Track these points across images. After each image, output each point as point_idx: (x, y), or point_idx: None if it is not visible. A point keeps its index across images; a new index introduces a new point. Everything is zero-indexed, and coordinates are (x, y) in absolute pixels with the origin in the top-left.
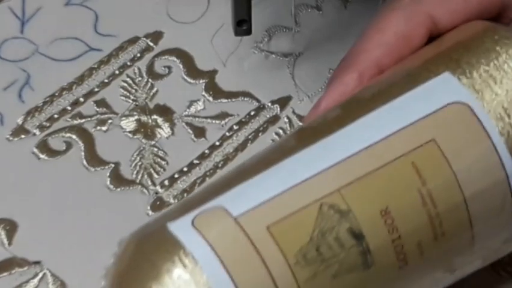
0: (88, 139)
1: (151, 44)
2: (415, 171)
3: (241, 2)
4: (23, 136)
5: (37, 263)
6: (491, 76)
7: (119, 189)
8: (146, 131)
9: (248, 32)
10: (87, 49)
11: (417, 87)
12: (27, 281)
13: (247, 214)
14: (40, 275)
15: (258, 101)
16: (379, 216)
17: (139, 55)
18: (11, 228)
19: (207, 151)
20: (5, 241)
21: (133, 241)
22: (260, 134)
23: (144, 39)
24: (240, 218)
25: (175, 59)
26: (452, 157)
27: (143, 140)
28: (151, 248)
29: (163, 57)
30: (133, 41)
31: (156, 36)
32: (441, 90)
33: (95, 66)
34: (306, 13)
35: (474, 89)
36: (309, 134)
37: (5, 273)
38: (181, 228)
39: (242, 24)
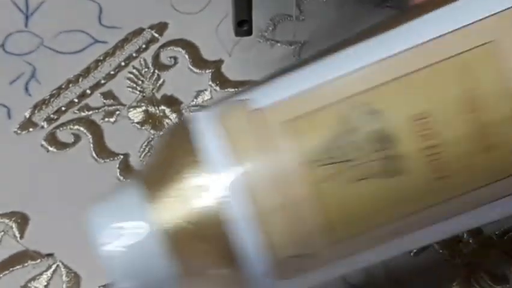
0: (96, 131)
1: (156, 35)
2: (467, 73)
3: (241, 2)
4: (31, 129)
5: (50, 255)
6: None
7: None
8: (154, 121)
9: (249, 32)
10: (92, 41)
11: None
12: (40, 274)
13: (270, 106)
14: (53, 267)
15: None
16: (416, 119)
17: (144, 46)
18: (22, 221)
19: None
20: (17, 234)
21: (166, 132)
22: None
23: (149, 30)
24: (261, 109)
25: (180, 49)
26: (509, 63)
27: (152, 131)
28: (176, 140)
29: (169, 48)
30: (138, 32)
31: (161, 27)
32: None
33: (101, 58)
34: (310, 1)
35: None
36: (363, 32)
37: (18, 266)
38: (203, 118)
39: (243, 25)
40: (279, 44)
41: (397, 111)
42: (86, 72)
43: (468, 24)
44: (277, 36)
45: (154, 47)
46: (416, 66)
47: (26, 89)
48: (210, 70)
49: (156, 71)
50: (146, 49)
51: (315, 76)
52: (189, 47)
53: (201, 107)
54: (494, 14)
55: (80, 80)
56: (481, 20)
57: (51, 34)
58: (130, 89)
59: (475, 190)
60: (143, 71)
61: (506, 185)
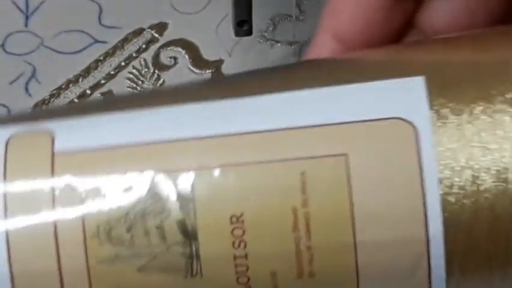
0: None
1: (156, 35)
2: (300, 184)
3: (241, 2)
4: None
5: None
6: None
7: None
8: None
9: (249, 32)
10: (92, 41)
11: (378, 80)
12: None
13: (71, 154)
14: None
15: None
16: (228, 221)
17: (144, 46)
18: None
19: None
20: None
21: None
22: None
23: (149, 30)
24: (58, 154)
25: (180, 49)
26: (359, 186)
27: None
28: None
29: (169, 48)
30: (138, 32)
31: (161, 27)
32: (398, 96)
33: (101, 58)
34: (310, 1)
35: (439, 115)
36: (224, 85)
37: None
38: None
39: (243, 25)
40: (279, 44)
41: (211, 205)
42: (86, 72)
43: (328, 124)
44: (277, 36)
45: (154, 47)
46: (250, 158)
47: (26, 89)
48: (210, 70)
49: (156, 71)
50: (146, 49)
51: (139, 129)
52: (189, 47)
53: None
54: (365, 120)
55: (80, 80)
56: (344, 123)
57: (52, 34)
58: (130, 89)
59: None
60: (143, 71)
61: None
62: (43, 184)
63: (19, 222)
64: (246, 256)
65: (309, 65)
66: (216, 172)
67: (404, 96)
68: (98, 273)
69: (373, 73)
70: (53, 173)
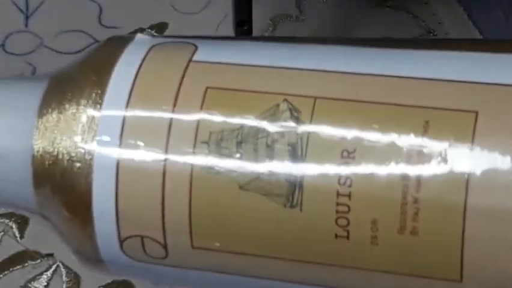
0: None
1: (156, 35)
2: (421, 132)
3: (241, 2)
4: None
5: (50, 255)
6: None
7: None
8: None
9: (249, 32)
10: (92, 41)
11: None
12: (40, 274)
13: (204, 63)
14: (53, 267)
15: None
16: (339, 154)
17: None
18: (22, 221)
19: None
20: (17, 234)
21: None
22: None
23: (149, 30)
24: (194, 62)
25: None
26: (482, 146)
27: None
28: (100, 54)
29: None
30: (138, 32)
31: (161, 27)
32: None
33: None
34: (310, 1)
35: None
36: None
37: (18, 266)
38: (139, 44)
39: (243, 25)
40: None
41: (325, 133)
42: None
43: (461, 81)
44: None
45: None
46: (374, 97)
47: None
48: None
49: None
50: None
51: (268, 55)
52: None
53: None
54: (498, 84)
55: None
56: (478, 83)
57: (52, 34)
58: None
59: (374, 276)
60: None
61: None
62: (170, 84)
63: (139, 106)
64: (349, 195)
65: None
66: (337, 104)
67: None
68: (201, 181)
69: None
70: (183, 77)
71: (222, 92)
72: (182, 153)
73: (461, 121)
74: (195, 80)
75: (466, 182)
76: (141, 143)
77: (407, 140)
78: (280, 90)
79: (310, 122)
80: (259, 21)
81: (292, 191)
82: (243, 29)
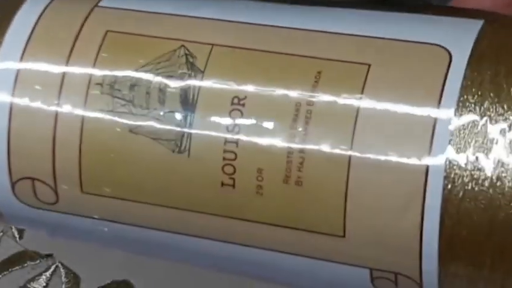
0: None
1: None
2: (312, 81)
3: None
4: None
5: (49, 255)
6: None
7: None
8: None
9: None
10: None
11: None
12: (39, 274)
13: (108, 9)
14: (52, 267)
15: None
16: (229, 100)
17: None
18: None
19: None
20: (16, 234)
21: None
22: None
23: None
24: (98, 7)
25: None
26: (371, 97)
27: None
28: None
29: None
30: None
31: None
32: (445, 28)
33: None
34: None
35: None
36: None
37: (17, 267)
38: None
39: None
40: None
41: (218, 80)
42: None
43: (359, 35)
44: None
45: None
46: (269, 47)
47: None
48: None
49: None
50: None
51: (177, 4)
52: None
53: None
54: (399, 39)
55: None
56: (378, 38)
57: None
58: None
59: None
60: None
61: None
62: (70, 29)
63: (37, 51)
64: (236, 143)
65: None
66: (233, 52)
67: (453, 29)
68: (91, 123)
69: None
70: (85, 21)
71: (121, 36)
72: (76, 96)
73: (353, 72)
74: (95, 24)
75: (352, 133)
76: (36, 86)
77: (298, 89)
78: (178, 37)
79: (205, 68)
80: None
81: (181, 136)
82: None
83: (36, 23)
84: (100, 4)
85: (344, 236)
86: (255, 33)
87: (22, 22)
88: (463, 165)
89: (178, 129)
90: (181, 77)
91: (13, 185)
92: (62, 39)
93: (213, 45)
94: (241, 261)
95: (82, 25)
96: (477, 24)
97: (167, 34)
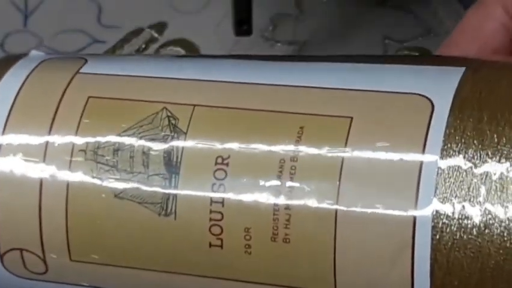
0: None
1: (156, 35)
2: (295, 137)
3: (241, 2)
4: None
5: None
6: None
7: None
8: None
9: (249, 32)
10: (91, 41)
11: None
12: None
13: (90, 75)
14: None
15: None
16: (213, 161)
17: (144, 46)
18: None
19: None
20: None
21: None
22: None
23: (148, 30)
24: (80, 74)
25: (180, 49)
26: (355, 149)
27: None
28: None
29: (168, 48)
30: (137, 32)
31: (160, 26)
32: (426, 77)
33: None
34: (310, 1)
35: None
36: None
37: None
38: (27, 62)
39: (243, 25)
40: (279, 44)
41: (202, 140)
42: None
43: (339, 89)
44: (277, 36)
45: (153, 47)
46: (252, 105)
47: None
48: None
49: None
50: (145, 49)
51: (158, 67)
52: (189, 46)
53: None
54: (381, 91)
55: None
56: (359, 90)
57: (51, 34)
58: None
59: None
60: None
61: None
62: (53, 95)
63: (15, 129)
64: (222, 202)
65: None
66: (215, 111)
67: (434, 78)
68: (76, 191)
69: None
70: (67, 87)
71: (103, 101)
72: (60, 163)
73: (336, 126)
74: (78, 90)
75: (337, 187)
76: (19, 156)
77: (281, 146)
78: (160, 99)
79: (187, 129)
80: (259, 20)
81: (167, 199)
82: (243, 29)
83: (18, 93)
84: (81, 71)
85: None
86: (235, 91)
87: (4, 93)
88: (450, 215)
89: (163, 191)
90: (164, 139)
91: (1, 256)
92: (44, 107)
93: (194, 105)
94: None
95: (64, 92)
96: (458, 72)
97: (149, 97)
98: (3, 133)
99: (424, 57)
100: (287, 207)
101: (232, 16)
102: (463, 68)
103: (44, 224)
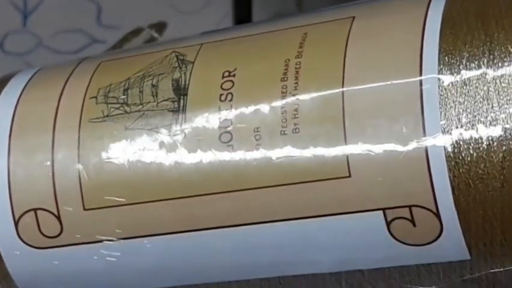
0: None
1: (156, 34)
2: (299, 40)
3: (241, 2)
4: None
5: None
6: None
7: None
8: None
9: None
10: (91, 41)
11: None
12: None
13: (93, 59)
14: None
15: None
16: (220, 75)
17: None
18: None
19: None
20: None
21: None
22: None
23: (148, 29)
24: (83, 62)
25: None
26: (358, 41)
27: None
28: None
29: None
30: (137, 32)
31: (160, 26)
32: None
33: None
34: (311, 0)
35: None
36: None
37: None
38: (19, 79)
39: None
40: None
41: (207, 64)
42: None
43: None
44: None
45: None
46: (256, 30)
47: None
48: None
49: None
50: None
51: None
52: None
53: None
54: None
55: None
56: None
57: (50, 34)
58: None
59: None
60: None
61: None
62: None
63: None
64: (230, 110)
65: None
66: (220, 44)
67: None
68: (88, 130)
69: None
70: (72, 72)
71: (114, 61)
72: (71, 111)
73: (339, 25)
74: (87, 63)
75: (342, 70)
76: (32, 105)
77: (286, 49)
78: (169, 47)
79: (195, 59)
80: (259, 19)
81: (176, 120)
82: None
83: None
84: (84, 62)
85: (349, 176)
86: (239, 29)
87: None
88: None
89: (172, 112)
90: (172, 71)
91: (16, 223)
92: (52, 81)
93: (201, 44)
94: (254, 244)
95: (71, 72)
96: None
97: (159, 49)
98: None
99: None
100: (295, 102)
101: (232, 16)
102: None
103: (57, 177)
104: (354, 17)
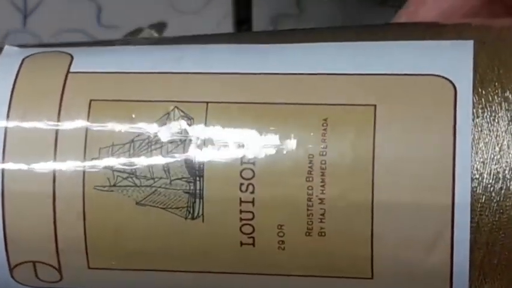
0: None
1: (156, 35)
2: (320, 131)
3: (241, 2)
4: None
5: None
6: None
7: None
8: None
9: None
10: (91, 41)
11: (423, 41)
12: None
13: (83, 74)
14: None
15: None
16: (238, 160)
17: None
18: None
19: None
20: None
21: None
22: None
23: (148, 29)
24: (72, 73)
25: None
26: (384, 138)
27: None
28: None
29: None
30: (137, 32)
31: (160, 26)
32: (442, 55)
33: None
34: (311, 0)
35: (483, 79)
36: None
37: None
38: (12, 55)
39: (242, 25)
40: None
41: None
42: None
43: (357, 74)
44: None
45: None
46: (270, 99)
47: None
48: None
49: None
50: None
51: (156, 60)
52: None
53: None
54: (399, 74)
55: None
56: (377, 75)
57: (50, 34)
58: None
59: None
60: None
61: None
62: (52, 100)
63: (20, 122)
64: (252, 202)
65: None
66: (234, 108)
67: (448, 56)
68: (94, 200)
69: (423, 34)
70: (63, 90)
71: (108, 104)
72: (72, 173)
73: (361, 115)
74: (76, 93)
75: (371, 177)
76: (26, 164)
77: (307, 140)
78: (168, 98)
79: (205, 126)
80: (259, 20)
81: (193, 203)
82: (243, 29)
83: (11, 97)
84: (72, 70)
85: (372, 278)
86: (248, 83)
87: None
88: (489, 195)
89: (188, 195)
90: (182, 142)
91: (11, 270)
92: (45, 112)
93: (207, 103)
94: None
95: (62, 95)
96: (468, 46)
97: (156, 96)
98: (3, 160)
99: (421, 25)
100: (321, 202)
101: (232, 16)
102: (471, 42)
103: (60, 236)
104: (375, 106)
